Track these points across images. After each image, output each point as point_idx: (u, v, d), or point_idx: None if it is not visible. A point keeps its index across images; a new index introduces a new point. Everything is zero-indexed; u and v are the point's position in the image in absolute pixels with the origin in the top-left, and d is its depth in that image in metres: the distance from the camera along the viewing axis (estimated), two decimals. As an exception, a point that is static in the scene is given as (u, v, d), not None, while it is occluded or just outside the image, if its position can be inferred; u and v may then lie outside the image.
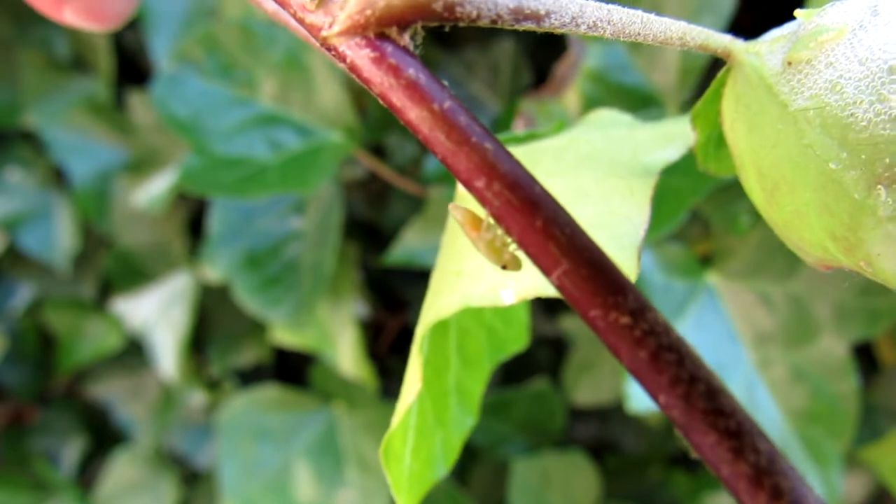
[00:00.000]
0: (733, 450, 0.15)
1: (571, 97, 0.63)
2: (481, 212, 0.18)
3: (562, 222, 0.16)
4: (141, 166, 0.95)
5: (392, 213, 0.95)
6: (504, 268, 0.20)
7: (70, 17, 0.30)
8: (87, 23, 0.30)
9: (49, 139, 1.00)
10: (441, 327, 0.29)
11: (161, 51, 0.86)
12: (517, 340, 0.32)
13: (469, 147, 0.16)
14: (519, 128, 0.62)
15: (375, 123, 0.80)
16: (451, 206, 0.20)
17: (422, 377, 0.23)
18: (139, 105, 0.95)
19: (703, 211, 0.66)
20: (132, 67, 1.03)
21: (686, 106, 0.62)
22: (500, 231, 0.19)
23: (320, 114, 0.76)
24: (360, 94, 0.77)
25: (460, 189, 0.27)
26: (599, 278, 0.16)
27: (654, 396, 0.15)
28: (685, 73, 0.61)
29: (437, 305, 0.24)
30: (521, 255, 0.18)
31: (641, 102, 0.63)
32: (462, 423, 0.29)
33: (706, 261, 0.70)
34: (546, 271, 0.16)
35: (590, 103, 0.62)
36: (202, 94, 0.75)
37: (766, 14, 0.74)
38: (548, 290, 0.21)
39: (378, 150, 0.87)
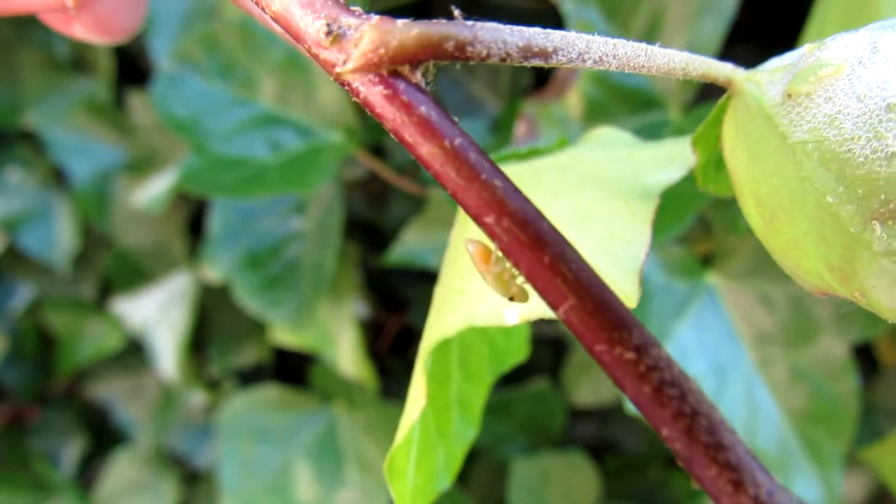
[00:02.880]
0: (733, 482, 0.15)
1: (573, 99, 0.63)
2: (490, 243, 0.18)
3: (569, 258, 0.16)
4: (141, 166, 0.95)
5: (392, 213, 0.95)
6: (511, 299, 0.20)
7: (80, 31, 0.30)
8: (97, 37, 0.30)
9: (49, 139, 1.00)
10: (443, 341, 0.29)
11: (161, 51, 0.86)
12: (517, 352, 0.32)
13: (479, 184, 0.16)
14: (520, 130, 0.62)
15: (375, 123, 0.79)
16: (466, 241, 0.20)
17: (426, 394, 0.23)
18: (139, 105, 0.95)
19: (704, 212, 0.66)
20: (132, 67, 1.03)
21: (687, 108, 0.62)
22: (508, 265, 0.19)
23: (320, 114, 0.76)
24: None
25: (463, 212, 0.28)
26: (605, 314, 0.16)
27: (658, 429, 0.16)
28: (686, 75, 0.61)
29: (441, 324, 0.24)
30: (527, 286, 0.19)
31: (643, 104, 0.63)
32: (464, 435, 0.30)
33: (706, 261, 0.70)
34: (553, 306, 0.16)
35: (591, 105, 0.63)
36: (202, 94, 0.75)
37: (766, 13, 0.74)
38: (550, 311, 0.21)
39: (378, 150, 0.87)
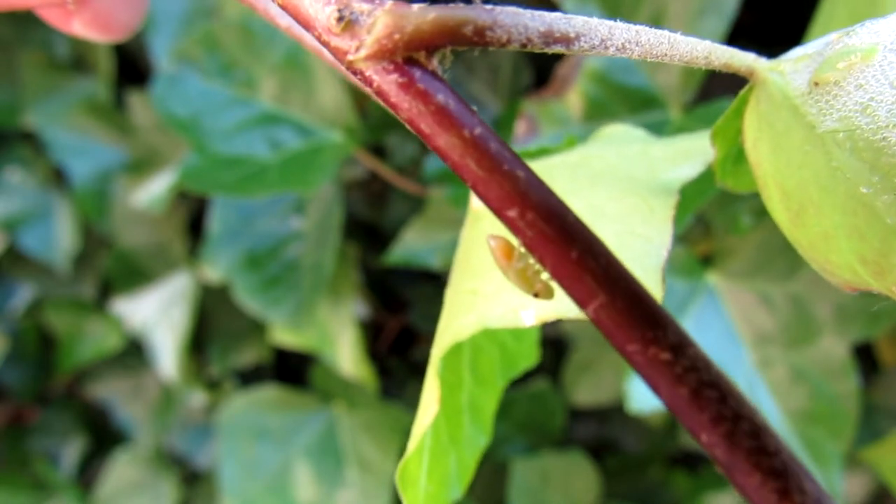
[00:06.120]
0: (778, 491, 0.14)
1: (573, 98, 0.63)
2: (512, 238, 0.17)
3: (597, 253, 0.15)
4: (141, 166, 0.95)
5: (392, 213, 0.95)
6: (536, 296, 0.19)
7: (79, 28, 0.29)
8: (96, 34, 0.30)
9: (49, 139, 1.00)
10: (455, 345, 0.29)
11: (161, 51, 0.85)
12: (528, 356, 0.32)
13: (501, 175, 0.16)
14: (521, 129, 0.62)
15: (375, 123, 0.79)
16: (487, 237, 0.19)
17: (439, 399, 0.23)
18: (139, 105, 0.94)
19: (704, 212, 0.66)
20: (132, 67, 1.03)
21: (688, 107, 0.61)
22: (531, 260, 0.19)
23: (320, 114, 0.76)
24: (360, 94, 0.77)
25: (475, 204, 0.27)
26: (638, 311, 0.15)
27: (696, 435, 0.15)
28: (688, 74, 0.61)
29: (454, 327, 0.24)
30: (553, 283, 0.18)
31: (643, 104, 0.62)
32: (476, 442, 0.29)
33: (706, 261, 0.70)
34: (581, 304, 0.15)
35: (592, 104, 0.62)
36: (202, 93, 0.75)
37: (766, 14, 0.74)
38: (570, 311, 0.21)
39: (378, 150, 0.86)
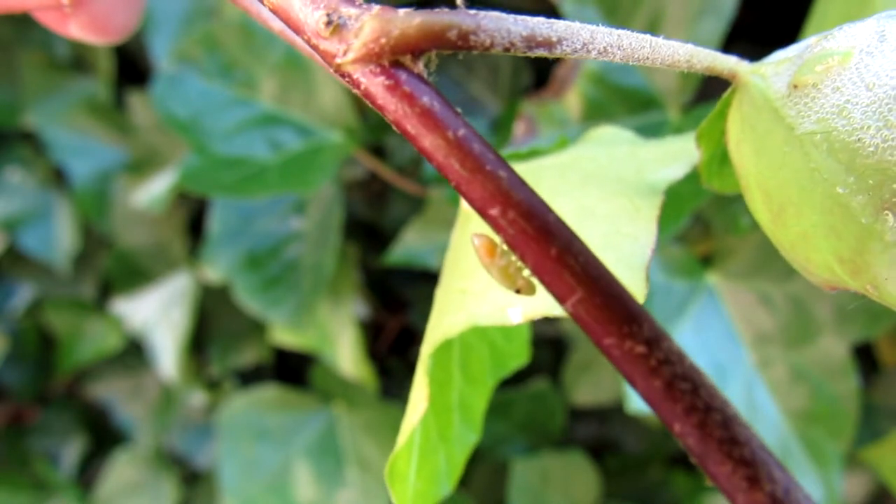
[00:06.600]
0: (749, 479, 0.15)
1: (572, 99, 0.63)
2: (495, 236, 0.18)
3: (576, 251, 0.16)
4: (141, 166, 0.95)
5: (392, 213, 0.95)
6: (518, 292, 0.20)
7: (75, 31, 0.30)
8: (93, 36, 0.30)
9: (49, 139, 1.00)
10: (445, 343, 0.29)
11: (161, 51, 0.85)
12: (518, 356, 0.32)
13: (483, 175, 0.16)
14: (520, 130, 0.62)
15: (375, 123, 0.80)
16: (472, 235, 0.20)
17: (428, 397, 0.23)
18: (139, 105, 0.94)
19: (704, 212, 0.66)
20: (132, 67, 1.03)
21: (687, 109, 0.62)
22: (513, 257, 0.19)
23: (320, 114, 0.76)
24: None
25: (465, 206, 0.27)
26: (614, 307, 0.16)
27: (670, 425, 0.15)
28: (686, 75, 0.61)
29: (444, 324, 0.24)
30: (534, 280, 0.18)
31: (642, 104, 0.62)
32: (465, 439, 0.29)
33: (706, 261, 0.70)
34: (561, 299, 0.16)
35: (591, 105, 0.62)
36: (202, 94, 0.75)
37: (766, 14, 0.74)
38: (555, 310, 0.21)
39: (378, 150, 0.87)
